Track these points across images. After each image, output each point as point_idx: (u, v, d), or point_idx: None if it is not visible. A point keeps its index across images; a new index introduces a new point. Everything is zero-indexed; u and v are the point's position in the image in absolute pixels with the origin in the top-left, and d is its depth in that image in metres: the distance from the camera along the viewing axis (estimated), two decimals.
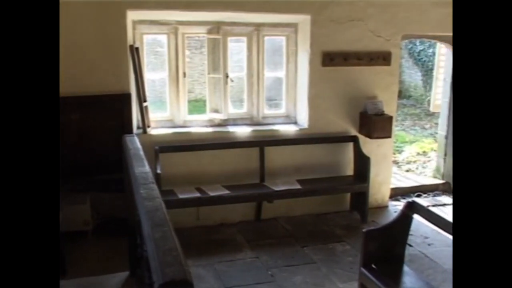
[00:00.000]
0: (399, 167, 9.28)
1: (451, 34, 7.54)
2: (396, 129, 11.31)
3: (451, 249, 5.94)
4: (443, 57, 8.79)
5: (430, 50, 14.79)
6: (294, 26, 6.79)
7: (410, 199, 4.94)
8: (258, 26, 6.66)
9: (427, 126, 13.11)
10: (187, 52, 7.00)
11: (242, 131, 6.59)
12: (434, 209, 7.09)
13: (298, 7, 6.41)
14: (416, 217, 4.63)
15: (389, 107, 6.98)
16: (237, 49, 7.59)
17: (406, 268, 4.65)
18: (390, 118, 6.84)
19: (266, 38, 6.79)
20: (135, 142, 4.52)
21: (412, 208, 4.58)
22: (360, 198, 6.78)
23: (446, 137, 8.03)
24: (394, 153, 9.29)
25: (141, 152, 4.11)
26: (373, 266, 4.50)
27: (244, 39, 6.77)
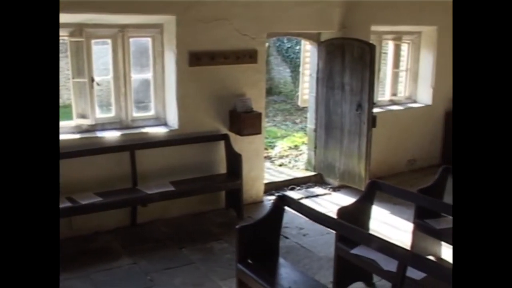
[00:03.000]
0: (272, 162, 9.45)
1: (314, 31, 7.83)
2: (267, 125, 11.55)
3: (325, 237, 6.21)
4: (308, 53, 9.05)
5: (298, 47, 15.18)
6: (159, 26, 6.70)
7: (280, 193, 5.06)
8: (123, 27, 6.51)
9: (298, 120, 13.44)
10: None
11: (111, 136, 6.42)
12: (307, 201, 7.37)
13: (163, 8, 6.35)
14: (291, 209, 4.77)
15: (258, 103, 7.11)
16: (102, 51, 7.38)
17: (281, 260, 4.76)
18: (259, 114, 6.97)
19: (131, 39, 6.65)
20: None
21: (282, 201, 4.69)
22: (235, 195, 6.87)
23: (315, 130, 8.29)
24: (266, 149, 9.48)
25: None
26: (249, 261, 4.56)
27: (109, 41, 6.59)
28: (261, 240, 4.65)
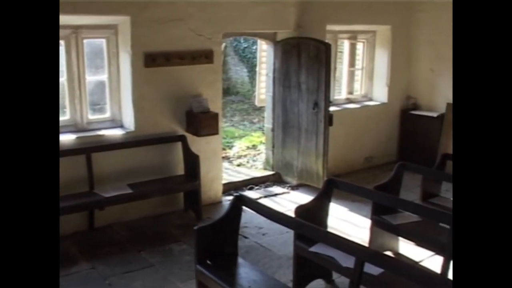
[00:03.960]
0: (230, 162, 9.45)
1: (270, 31, 7.86)
2: (225, 125, 11.55)
3: (284, 236, 6.23)
4: (264, 53, 9.09)
5: (254, 47, 15.21)
6: (114, 27, 6.62)
7: (237, 193, 5.07)
8: (76, 28, 6.40)
9: (255, 120, 13.44)
10: None
11: (67, 139, 6.29)
12: (266, 200, 7.39)
13: (117, 8, 6.27)
14: (250, 209, 4.78)
15: (215, 104, 7.09)
16: None
17: (241, 260, 4.76)
18: (216, 115, 6.95)
19: (85, 40, 6.55)
20: None
21: (240, 201, 4.70)
22: (193, 196, 6.83)
23: (273, 130, 8.32)
24: (224, 149, 9.47)
25: None
26: (208, 262, 4.55)
27: (62, 42, 6.47)
28: (219, 241, 4.64)
